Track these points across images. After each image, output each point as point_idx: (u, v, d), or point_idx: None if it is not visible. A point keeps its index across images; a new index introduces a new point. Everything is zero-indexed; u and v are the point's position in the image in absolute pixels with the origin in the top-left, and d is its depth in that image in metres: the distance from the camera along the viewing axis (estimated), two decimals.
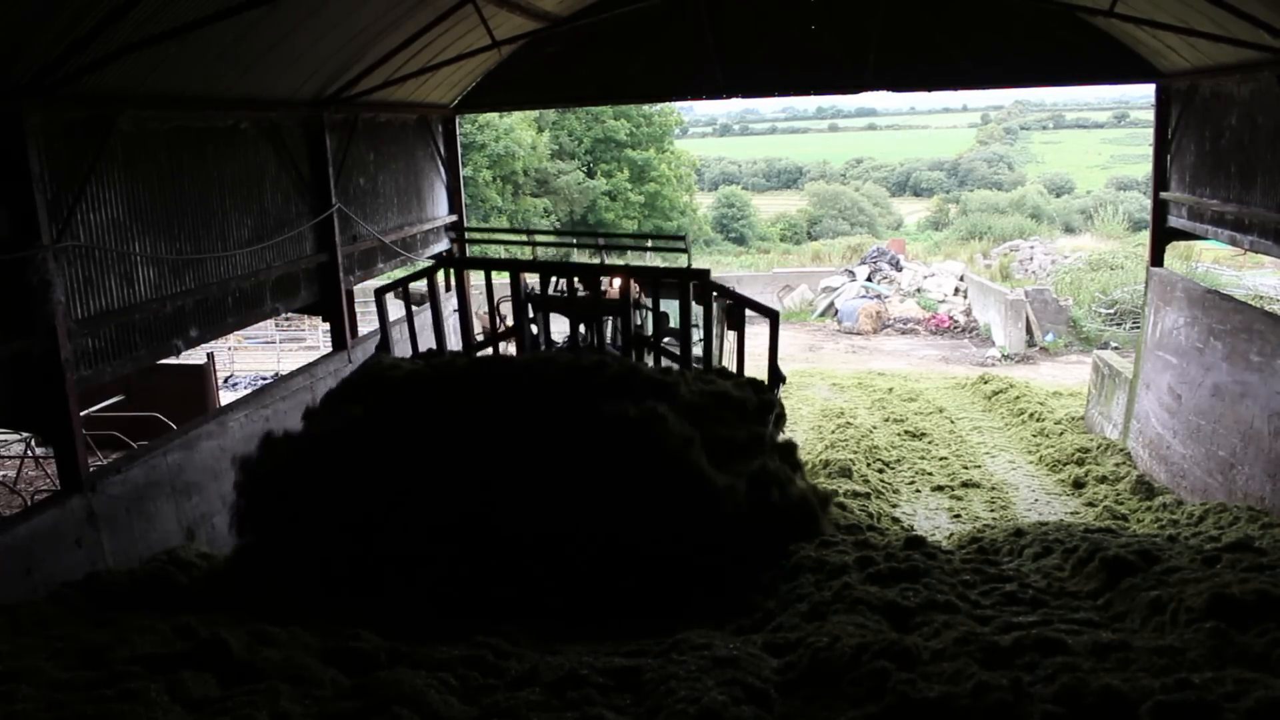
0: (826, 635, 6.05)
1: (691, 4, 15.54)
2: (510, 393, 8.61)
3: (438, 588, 7.61)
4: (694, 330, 11.26)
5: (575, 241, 28.29)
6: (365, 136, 15.05)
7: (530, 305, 12.09)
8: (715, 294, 11.39)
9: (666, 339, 11.82)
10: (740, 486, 8.40)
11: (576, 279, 12.32)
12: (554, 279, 12.62)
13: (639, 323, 11.69)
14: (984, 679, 5.12)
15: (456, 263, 12.06)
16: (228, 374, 23.49)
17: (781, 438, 10.16)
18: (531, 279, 12.48)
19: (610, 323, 12.27)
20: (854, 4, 15.80)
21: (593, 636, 7.05)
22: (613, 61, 16.91)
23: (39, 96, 8.19)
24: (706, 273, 11.11)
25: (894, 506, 14.62)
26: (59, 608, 7.44)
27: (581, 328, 12.19)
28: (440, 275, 12.85)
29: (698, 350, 11.79)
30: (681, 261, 12.74)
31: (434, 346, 12.19)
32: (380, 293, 12.41)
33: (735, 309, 11.63)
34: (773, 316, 10.88)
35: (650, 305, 11.95)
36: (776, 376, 10.78)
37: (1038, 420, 19.21)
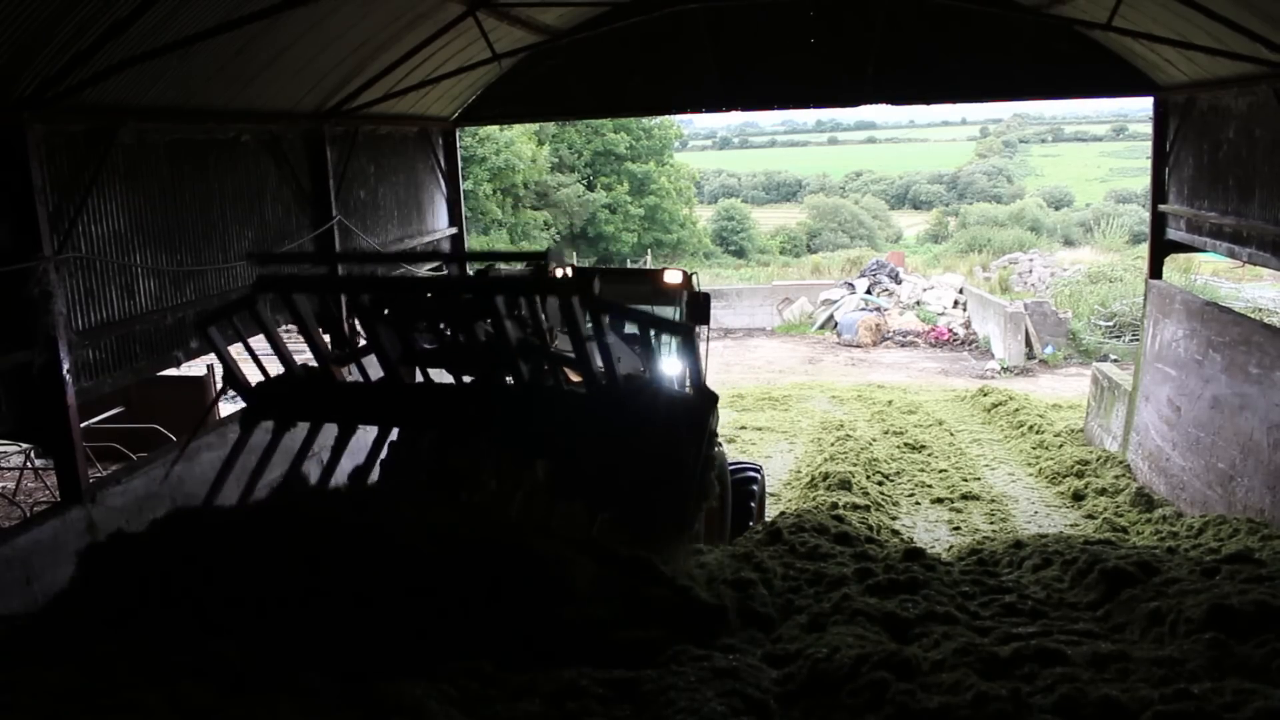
0: (826, 646, 6.03)
1: (691, 18, 15.62)
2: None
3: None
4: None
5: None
6: (366, 149, 15.10)
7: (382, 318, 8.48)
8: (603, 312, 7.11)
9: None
10: None
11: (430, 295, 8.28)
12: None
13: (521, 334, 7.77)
14: (983, 689, 5.12)
15: (282, 283, 8.63)
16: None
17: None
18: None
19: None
20: (853, 18, 15.90)
21: None
22: (612, 75, 17.01)
23: (41, 109, 8.24)
24: (590, 280, 6.85)
25: (893, 519, 14.64)
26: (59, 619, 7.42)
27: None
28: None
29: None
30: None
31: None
32: (203, 325, 8.07)
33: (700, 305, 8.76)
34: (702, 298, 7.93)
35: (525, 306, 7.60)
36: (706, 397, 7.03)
37: (1037, 433, 19.22)
